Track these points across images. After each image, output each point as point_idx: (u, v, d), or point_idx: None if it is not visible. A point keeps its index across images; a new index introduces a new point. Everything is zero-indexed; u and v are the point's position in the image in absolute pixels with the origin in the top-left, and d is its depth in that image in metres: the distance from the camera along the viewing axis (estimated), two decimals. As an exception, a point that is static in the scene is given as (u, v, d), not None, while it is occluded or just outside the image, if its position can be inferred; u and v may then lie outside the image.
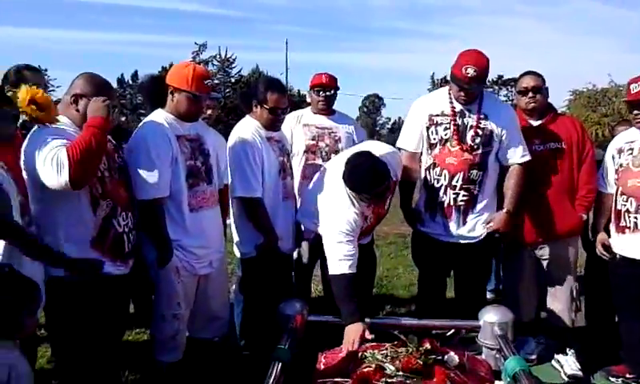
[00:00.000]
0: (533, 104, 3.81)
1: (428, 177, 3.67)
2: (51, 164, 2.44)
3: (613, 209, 3.64)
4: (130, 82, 52.74)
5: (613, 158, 3.68)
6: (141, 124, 3.23)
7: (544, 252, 3.84)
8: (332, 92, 4.25)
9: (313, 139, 4.16)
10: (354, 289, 3.06)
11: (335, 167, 3.39)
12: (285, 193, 3.62)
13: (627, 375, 3.69)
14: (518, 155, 3.64)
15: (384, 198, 3.40)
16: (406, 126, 3.84)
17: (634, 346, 3.64)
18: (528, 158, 3.66)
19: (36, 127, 2.60)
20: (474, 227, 3.64)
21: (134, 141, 3.09)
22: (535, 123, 3.83)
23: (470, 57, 3.47)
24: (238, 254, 3.68)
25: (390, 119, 69.53)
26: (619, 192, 3.61)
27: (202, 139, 3.24)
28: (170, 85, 3.13)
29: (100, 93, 2.67)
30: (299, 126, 4.20)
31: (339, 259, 3.11)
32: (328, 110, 4.27)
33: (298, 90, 36.39)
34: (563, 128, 3.84)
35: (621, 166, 3.63)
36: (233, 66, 43.30)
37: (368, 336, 2.85)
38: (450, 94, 3.64)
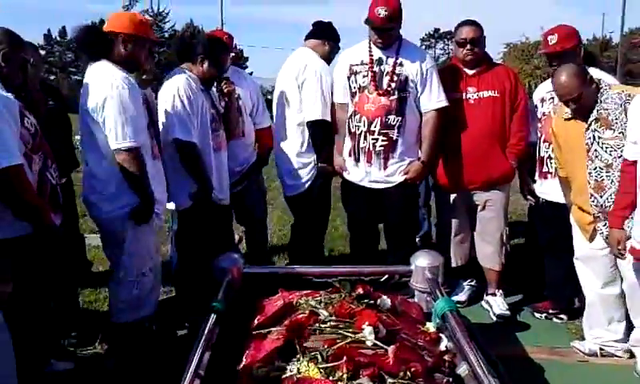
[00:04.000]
0: (470, 56, 3.79)
1: (350, 125, 3.78)
2: None
3: (537, 155, 3.77)
4: (58, 38, 50.03)
5: (536, 107, 3.79)
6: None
7: (476, 197, 3.90)
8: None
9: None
10: None
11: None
12: (216, 144, 3.63)
13: (550, 311, 3.89)
14: (433, 101, 3.71)
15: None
16: (333, 79, 3.94)
17: (555, 283, 3.83)
18: (444, 103, 3.71)
19: None
20: (395, 172, 3.73)
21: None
22: (470, 72, 3.84)
23: None
24: (171, 207, 3.68)
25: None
26: (542, 139, 3.73)
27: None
28: (114, 31, 3.09)
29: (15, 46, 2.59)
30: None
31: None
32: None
33: (235, 45, 35.49)
34: (497, 77, 3.84)
35: (544, 114, 3.74)
36: (166, 20, 41.65)
37: None
38: (369, 43, 3.74)
